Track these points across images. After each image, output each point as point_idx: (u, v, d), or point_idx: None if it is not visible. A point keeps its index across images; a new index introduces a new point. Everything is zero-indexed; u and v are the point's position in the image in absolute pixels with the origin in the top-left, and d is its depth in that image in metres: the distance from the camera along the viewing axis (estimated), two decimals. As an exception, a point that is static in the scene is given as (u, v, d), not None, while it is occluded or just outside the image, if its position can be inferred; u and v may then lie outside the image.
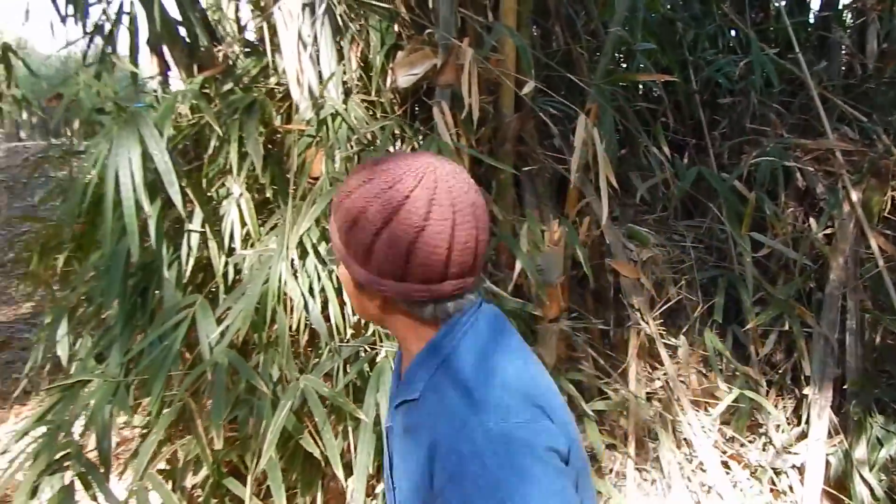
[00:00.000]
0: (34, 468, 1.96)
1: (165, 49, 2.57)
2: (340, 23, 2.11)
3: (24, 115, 10.08)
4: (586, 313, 2.61)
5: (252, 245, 2.15)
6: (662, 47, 3.19)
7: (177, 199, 1.89)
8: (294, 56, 2.01)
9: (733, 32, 3.50)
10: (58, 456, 2.01)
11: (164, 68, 2.70)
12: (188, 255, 2.09)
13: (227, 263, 2.13)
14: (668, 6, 3.44)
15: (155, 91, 2.55)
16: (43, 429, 2.15)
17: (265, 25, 2.05)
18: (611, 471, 2.50)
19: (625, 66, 3.33)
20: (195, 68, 2.32)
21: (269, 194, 2.19)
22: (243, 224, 2.13)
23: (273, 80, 2.24)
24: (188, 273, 2.10)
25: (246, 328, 1.88)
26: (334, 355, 1.95)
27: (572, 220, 2.44)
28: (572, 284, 2.60)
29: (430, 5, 2.22)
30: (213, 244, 2.11)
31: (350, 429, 1.97)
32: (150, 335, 2.03)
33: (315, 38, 2.06)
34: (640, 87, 3.41)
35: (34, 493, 1.94)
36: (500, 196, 2.39)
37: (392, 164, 0.96)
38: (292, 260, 1.90)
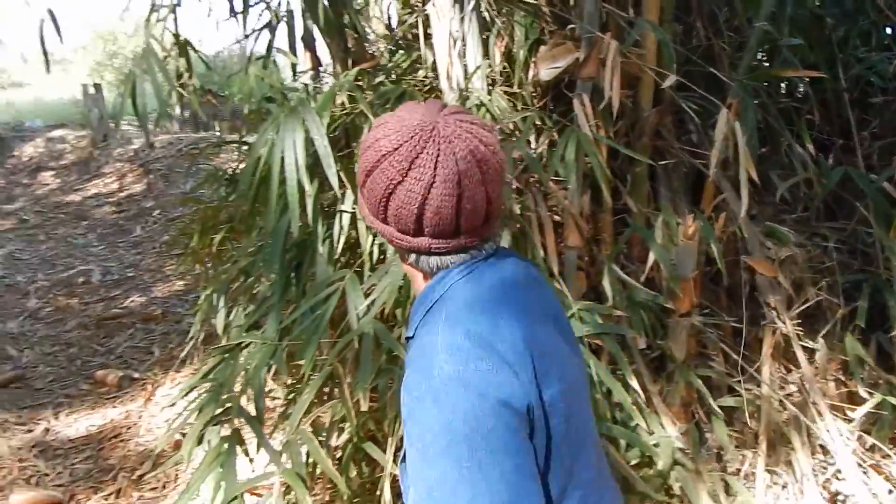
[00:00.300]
0: (200, 419, 2.19)
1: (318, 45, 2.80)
2: (487, 18, 2.22)
3: (178, 109, 10.85)
4: (718, 310, 2.58)
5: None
6: (810, 44, 3.08)
7: (334, 180, 2.07)
8: (445, 50, 2.14)
9: (888, 30, 3.33)
10: (219, 410, 2.23)
11: (316, 63, 2.93)
12: (339, 233, 2.26)
13: (373, 242, 2.29)
14: (818, 2, 3.33)
15: (307, 84, 2.77)
16: (204, 386, 2.40)
17: (419, 21, 2.19)
18: (738, 471, 2.47)
19: (767, 62, 3.25)
20: (349, 62, 2.51)
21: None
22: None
23: (420, 73, 2.39)
24: (339, 250, 2.28)
25: (391, 302, 2.03)
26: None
27: (708, 216, 2.43)
28: (705, 280, 2.58)
29: (573, 2, 2.29)
30: (361, 224, 2.27)
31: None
32: (303, 305, 2.22)
33: (462, 33, 2.18)
34: (785, 84, 3.31)
35: (200, 440, 2.17)
36: (635, 189, 2.42)
37: (398, 119, 1.02)
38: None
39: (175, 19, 2.25)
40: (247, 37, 2.71)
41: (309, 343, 2.13)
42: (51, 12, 1.94)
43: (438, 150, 0.99)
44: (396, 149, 0.99)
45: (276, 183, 2.07)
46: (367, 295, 2.16)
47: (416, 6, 2.55)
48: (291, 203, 2.06)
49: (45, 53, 2.10)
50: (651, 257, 2.21)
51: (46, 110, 13.55)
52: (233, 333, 2.81)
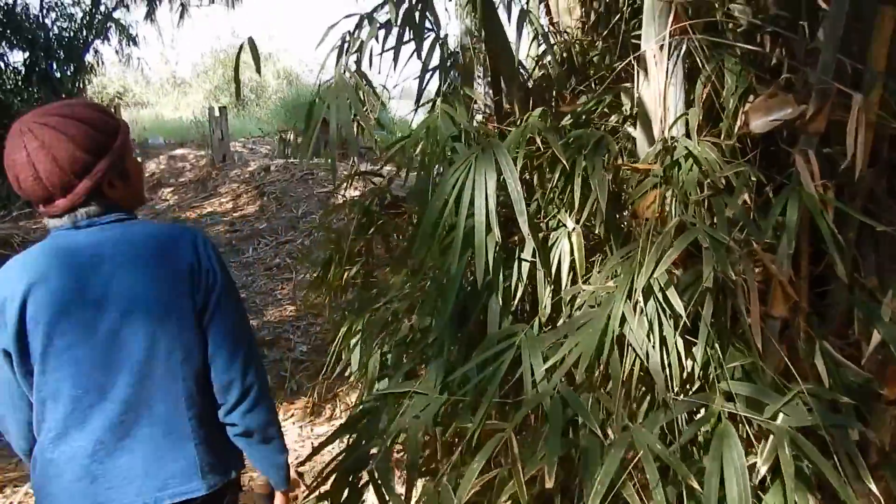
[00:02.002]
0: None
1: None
2: (698, 64, 2.04)
3: (291, 136, 11.07)
4: (932, 399, 2.27)
5: (575, 280, 2.12)
6: None
7: (525, 227, 1.91)
8: (653, 97, 1.97)
9: None
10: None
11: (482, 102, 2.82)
12: (517, 283, 2.10)
13: (548, 294, 2.11)
14: None
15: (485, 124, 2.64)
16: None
17: (634, 64, 2.03)
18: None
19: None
20: (530, 102, 2.37)
21: (597, 231, 2.15)
22: (571, 257, 2.11)
23: (613, 118, 2.23)
24: (516, 301, 2.11)
25: (583, 366, 1.84)
26: (667, 409, 1.84)
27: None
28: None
29: (793, 50, 2.08)
30: (540, 275, 2.10)
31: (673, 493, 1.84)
32: (473, 359, 2.05)
33: (667, 80, 2.01)
34: None
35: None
36: (842, 256, 2.17)
37: None
38: (636, 302, 1.83)
39: (359, 55, 2.16)
40: (418, 73, 2.60)
41: (481, 403, 1.97)
42: (251, 41, 1.88)
43: (4, 151, 1.40)
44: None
45: (462, 225, 1.93)
46: (545, 357, 1.98)
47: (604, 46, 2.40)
48: (479, 248, 1.91)
49: (237, 82, 2.06)
50: (875, 338, 1.94)
51: (165, 129, 14.19)
52: (377, 380, 2.68)
